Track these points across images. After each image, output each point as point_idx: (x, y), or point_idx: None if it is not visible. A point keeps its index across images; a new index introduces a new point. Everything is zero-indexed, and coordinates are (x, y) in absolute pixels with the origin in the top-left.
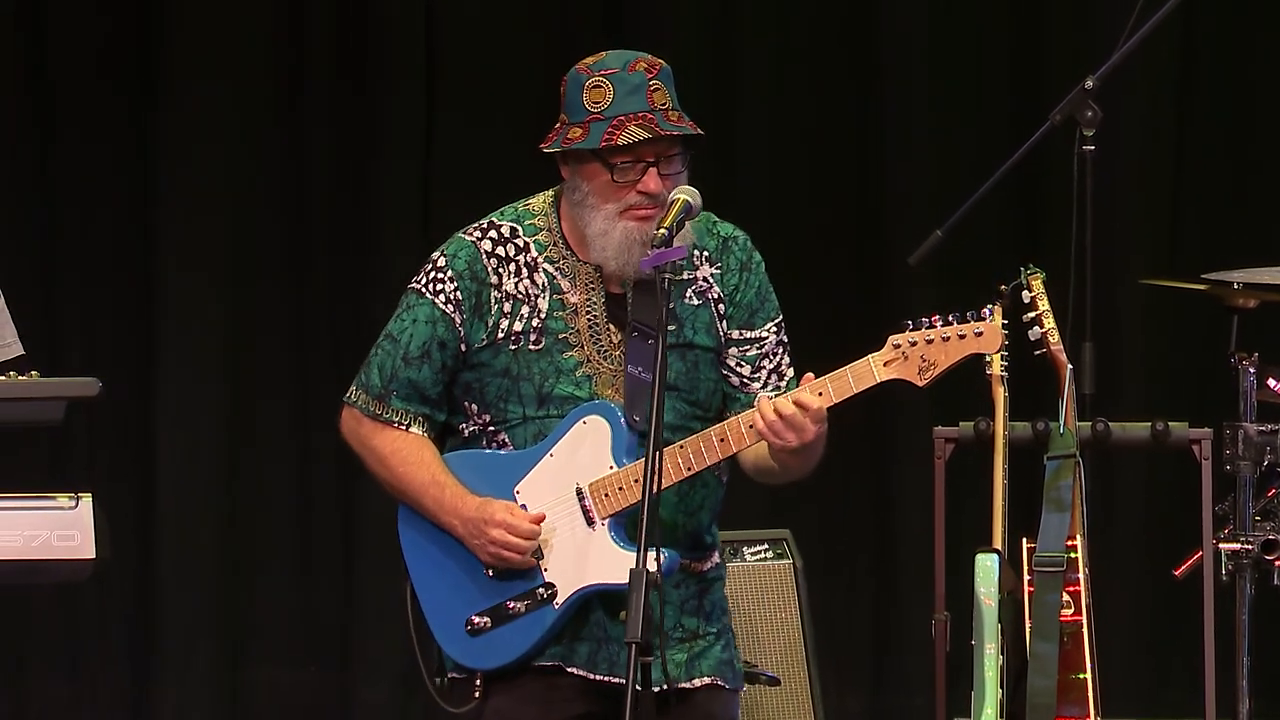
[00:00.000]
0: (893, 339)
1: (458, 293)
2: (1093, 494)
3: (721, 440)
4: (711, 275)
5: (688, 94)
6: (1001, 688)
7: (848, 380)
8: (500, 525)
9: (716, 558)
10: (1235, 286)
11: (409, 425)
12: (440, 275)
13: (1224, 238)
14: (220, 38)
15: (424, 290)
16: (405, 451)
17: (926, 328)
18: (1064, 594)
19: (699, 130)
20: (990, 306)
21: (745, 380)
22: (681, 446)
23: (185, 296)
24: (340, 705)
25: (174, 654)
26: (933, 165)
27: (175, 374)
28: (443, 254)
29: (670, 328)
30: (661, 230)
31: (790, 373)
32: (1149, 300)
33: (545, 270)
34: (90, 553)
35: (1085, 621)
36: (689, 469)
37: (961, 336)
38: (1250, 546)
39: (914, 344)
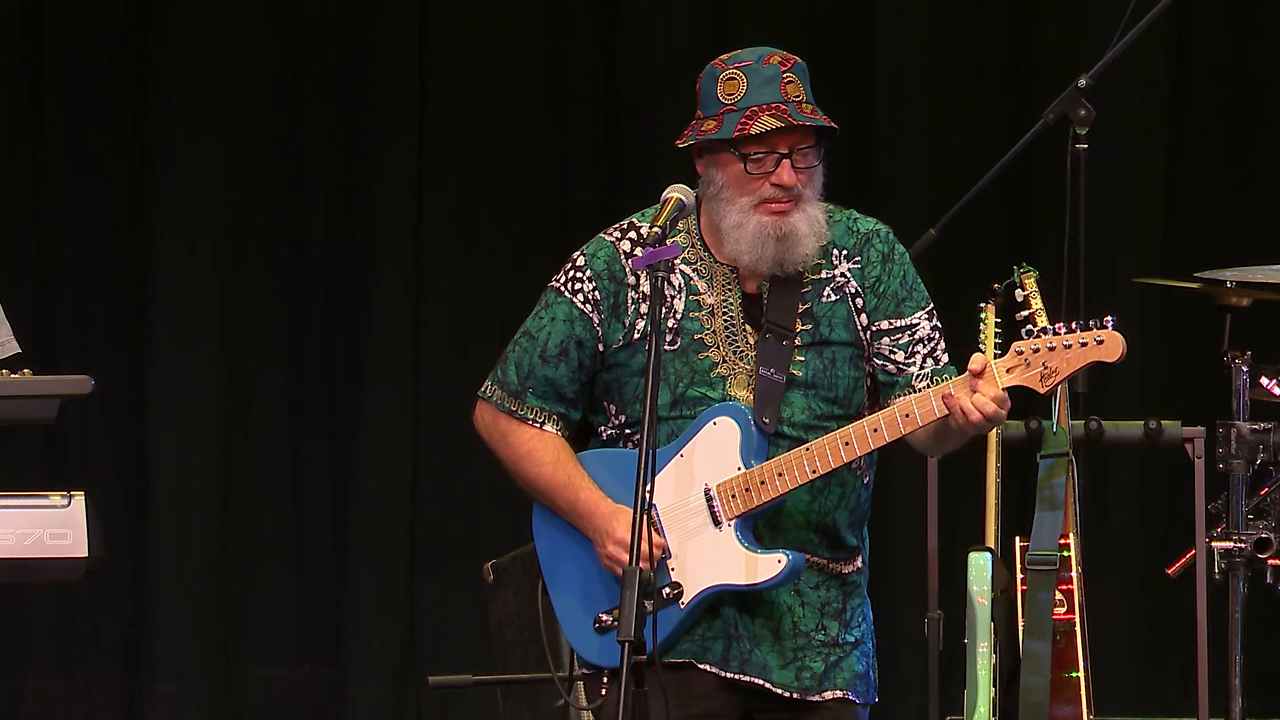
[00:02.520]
0: (1016, 345)
1: (596, 292)
2: (1086, 492)
3: (847, 444)
4: (850, 270)
5: (683, 87)
6: (994, 686)
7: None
8: (620, 543)
9: (860, 562)
10: (1228, 285)
11: (543, 423)
12: (579, 275)
13: (1217, 236)
14: (217, 26)
15: (563, 289)
16: (541, 452)
17: (1050, 334)
18: (1057, 592)
19: (832, 123)
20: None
21: (901, 365)
22: (808, 449)
23: (180, 294)
24: (334, 702)
25: (168, 652)
26: (927, 165)
27: (169, 373)
28: (582, 254)
29: (806, 327)
30: (655, 229)
31: (945, 358)
32: (1142, 299)
33: (682, 271)
34: (83, 551)
35: (1078, 620)
36: (814, 471)
37: (1083, 345)
38: (1243, 545)
39: (1036, 351)
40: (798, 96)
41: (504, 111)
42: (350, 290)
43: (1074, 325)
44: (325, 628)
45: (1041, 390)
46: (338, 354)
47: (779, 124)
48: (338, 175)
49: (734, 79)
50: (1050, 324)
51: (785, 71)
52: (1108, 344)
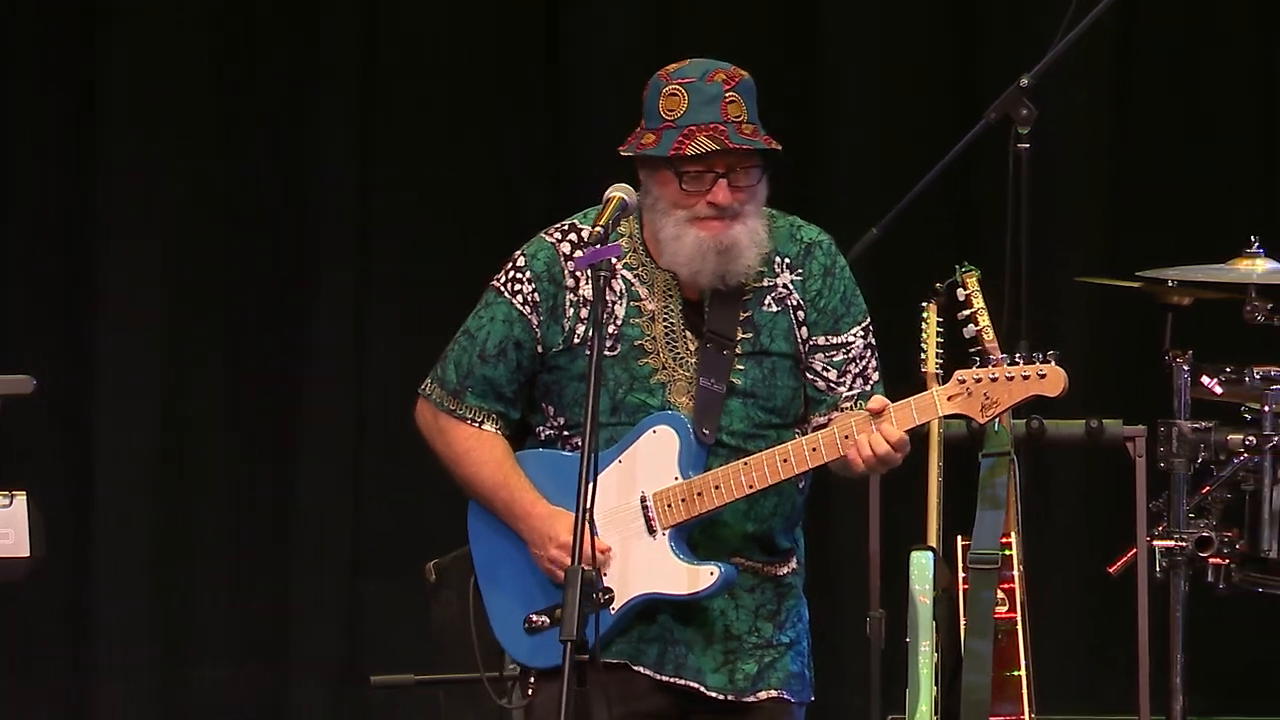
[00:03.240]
0: (958, 374)
1: (535, 294)
2: (1027, 491)
3: (785, 461)
4: (792, 282)
5: (624, 84)
6: (936, 685)
7: (911, 411)
8: (563, 547)
9: (795, 563)
10: (1169, 284)
11: (482, 423)
12: (519, 275)
13: (1163, 235)
14: (164, 24)
15: (503, 289)
16: (479, 451)
17: (992, 365)
18: (999, 591)
19: (774, 144)
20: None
21: (832, 384)
22: (745, 464)
23: (125, 292)
24: (277, 703)
25: (112, 652)
26: (871, 164)
27: (113, 372)
28: (523, 254)
29: (747, 335)
30: (597, 228)
31: (876, 376)
32: (1084, 297)
33: (623, 276)
34: (25, 551)
35: (1020, 618)
36: (750, 486)
37: (1025, 377)
38: (1184, 544)
39: (979, 381)
40: (738, 117)
41: (449, 110)
42: (295, 289)
43: (1017, 357)
44: (269, 628)
45: (981, 420)
46: (283, 353)
47: (714, 146)
48: (284, 175)
49: (676, 95)
50: (991, 323)
51: (728, 90)
52: (1050, 378)
